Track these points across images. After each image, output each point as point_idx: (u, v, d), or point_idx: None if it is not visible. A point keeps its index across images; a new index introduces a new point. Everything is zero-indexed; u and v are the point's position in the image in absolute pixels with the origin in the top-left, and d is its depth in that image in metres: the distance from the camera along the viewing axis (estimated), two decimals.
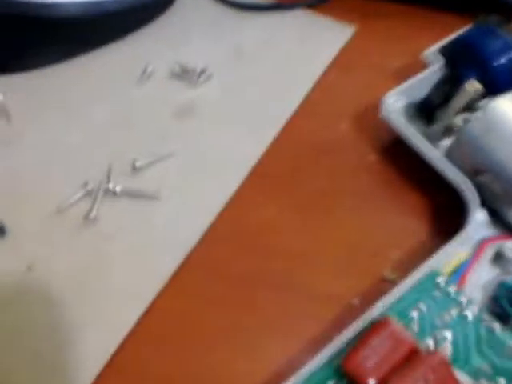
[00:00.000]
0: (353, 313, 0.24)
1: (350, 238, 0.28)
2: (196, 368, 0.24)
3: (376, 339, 0.22)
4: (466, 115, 0.28)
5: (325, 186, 0.30)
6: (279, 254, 0.27)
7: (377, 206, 0.29)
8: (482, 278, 0.24)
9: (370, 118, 0.31)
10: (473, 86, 0.27)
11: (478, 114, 0.26)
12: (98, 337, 0.25)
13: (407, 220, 0.28)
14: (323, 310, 0.25)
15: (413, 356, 0.21)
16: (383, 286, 0.25)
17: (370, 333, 0.22)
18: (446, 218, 0.27)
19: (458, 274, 0.24)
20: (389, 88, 0.30)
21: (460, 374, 0.21)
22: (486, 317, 0.23)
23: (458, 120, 0.28)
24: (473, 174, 0.26)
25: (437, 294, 0.23)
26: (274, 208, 0.29)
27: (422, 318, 0.23)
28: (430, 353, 0.21)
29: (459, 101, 0.28)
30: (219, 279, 0.26)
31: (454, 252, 0.25)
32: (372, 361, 0.21)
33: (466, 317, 0.23)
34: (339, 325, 0.23)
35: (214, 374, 0.24)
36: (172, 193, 0.29)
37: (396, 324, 0.22)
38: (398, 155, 0.30)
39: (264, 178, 0.30)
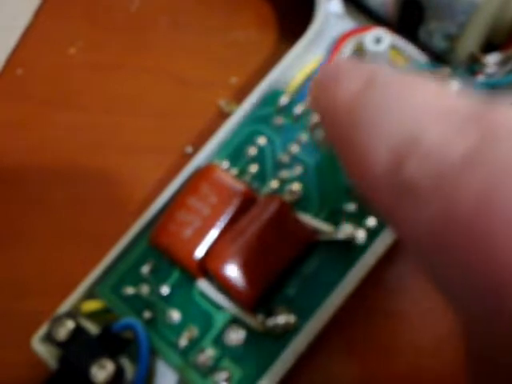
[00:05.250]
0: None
1: (179, 69, 0.21)
2: None
3: (193, 197, 0.16)
4: None
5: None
6: None
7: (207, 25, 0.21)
8: None
9: None
10: None
11: None
12: None
13: (247, 36, 0.21)
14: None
15: (248, 205, 0.16)
16: (221, 122, 0.19)
17: (188, 189, 0.16)
18: (296, 25, 0.20)
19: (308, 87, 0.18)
20: None
21: (314, 222, 0.16)
22: None
23: None
24: None
25: (279, 120, 0.17)
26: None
27: (262, 156, 0.17)
28: (269, 198, 0.16)
29: None
30: None
31: (302, 60, 0.18)
32: (192, 227, 0.16)
33: (319, 144, 0.17)
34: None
35: None
36: None
37: (222, 172, 0.17)
38: None
39: None
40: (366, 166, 0.09)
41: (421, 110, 0.08)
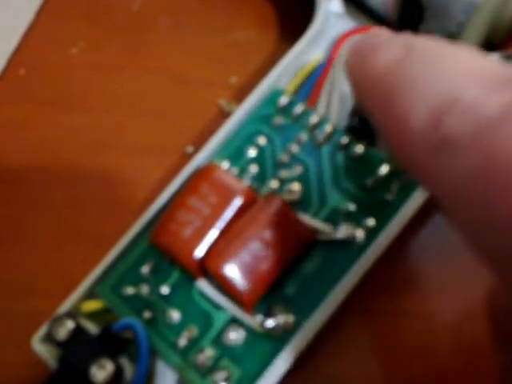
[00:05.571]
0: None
1: (179, 69, 0.21)
2: None
3: (194, 197, 0.16)
4: None
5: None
6: None
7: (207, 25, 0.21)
8: (340, 86, 0.18)
9: None
10: None
11: None
12: None
13: (247, 36, 0.21)
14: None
15: (248, 205, 0.16)
16: (221, 122, 0.19)
17: (187, 190, 0.16)
18: (296, 25, 0.20)
19: (308, 87, 0.18)
20: None
21: (314, 221, 0.16)
22: (345, 139, 0.17)
23: None
24: None
25: (279, 120, 0.17)
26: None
27: (262, 156, 0.17)
28: (269, 198, 0.16)
29: None
30: None
31: (302, 60, 0.18)
32: (192, 227, 0.16)
33: (318, 144, 0.17)
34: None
35: None
36: None
37: (222, 172, 0.17)
38: None
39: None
40: (406, 124, 0.10)
41: (459, 72, 0.09)
